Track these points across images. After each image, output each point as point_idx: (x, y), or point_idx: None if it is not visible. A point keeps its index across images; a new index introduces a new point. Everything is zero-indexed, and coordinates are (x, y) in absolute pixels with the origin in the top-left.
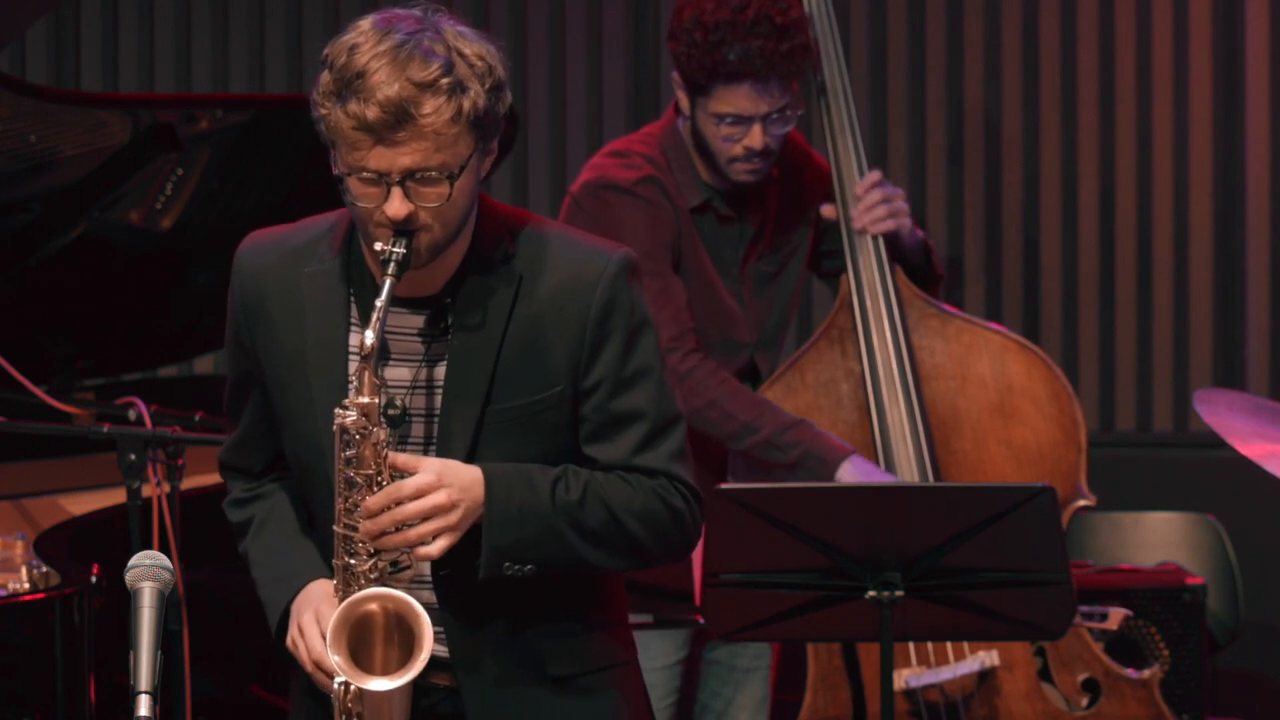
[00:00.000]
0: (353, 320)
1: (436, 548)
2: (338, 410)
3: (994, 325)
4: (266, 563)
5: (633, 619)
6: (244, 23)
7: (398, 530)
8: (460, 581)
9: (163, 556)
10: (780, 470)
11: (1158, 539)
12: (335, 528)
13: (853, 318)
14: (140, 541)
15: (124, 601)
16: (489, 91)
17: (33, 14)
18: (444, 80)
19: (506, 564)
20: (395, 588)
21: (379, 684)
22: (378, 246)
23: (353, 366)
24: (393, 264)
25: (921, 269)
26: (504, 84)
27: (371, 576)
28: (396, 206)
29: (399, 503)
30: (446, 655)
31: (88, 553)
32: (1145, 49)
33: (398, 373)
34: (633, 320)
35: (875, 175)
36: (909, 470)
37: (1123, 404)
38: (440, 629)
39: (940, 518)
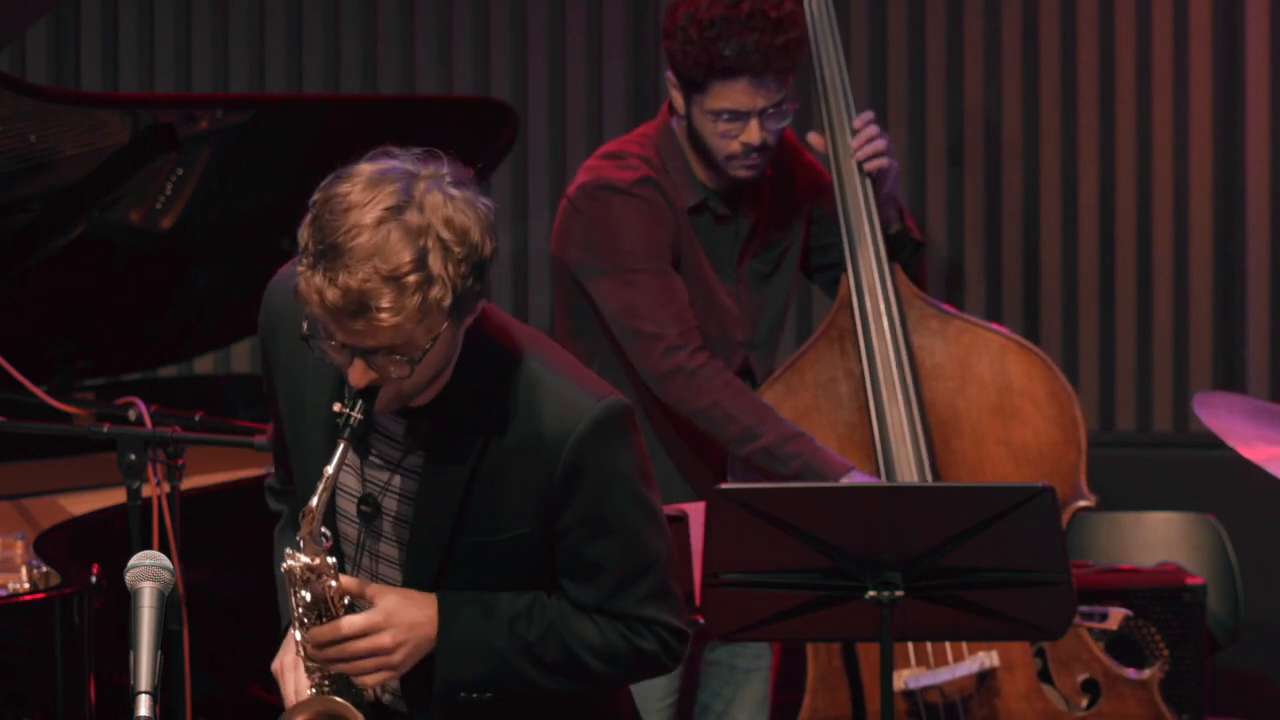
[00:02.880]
0: (346, 396)
1: (376, 679)
2: (287, 553)
3: (994, 325)
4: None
5: None
6: (244, 23)
7: (341, 662)
8: (427, 694)
9: (163, 556)
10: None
11: (1158, 539)
12: (292, 629)
13: (852, 318)
14: (140, 541)
15: (124, 601)
16: (464, 276)
17: (33, 14)
18: (411, 277)
19: (462, 694)
20: (340, 695)
21: None
22: (335, 407)
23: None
24: (347, 429)
25: (901, 236)
26: (485, 261)
27: (326, 685)
28: (357, 376)
29: (346, 639)
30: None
31: (88, 553)
32: (1145, 49)
33: (374, 471)
34: (604, 475)
35: (869, 115)
36: (908, 470)
37: (1123, 404)
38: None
39: (940, 518)
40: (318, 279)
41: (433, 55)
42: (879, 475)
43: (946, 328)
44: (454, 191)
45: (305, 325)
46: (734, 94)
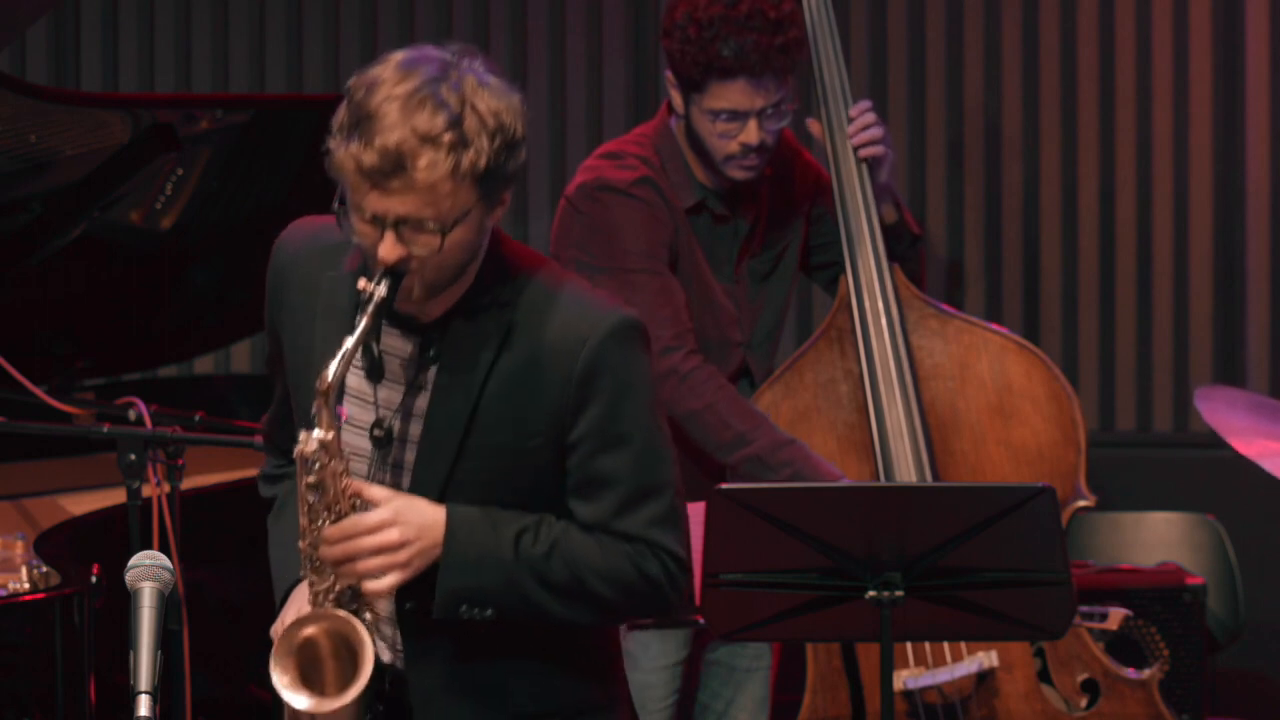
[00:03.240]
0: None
1: (384, 583)
2: (300, 434)
3: (993, 326)
4: (279, 545)
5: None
6: (244, 23)
7: (350, 561)
8: (424, 616)
9: (163, 556)
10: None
11: (1158, 539)
12: (300, 544)
13: (852, 318)
14: (140, 541)
15: (124, 601)
16: (497, 149)
17: (33, 14)
18: (446, 135)
19: (463, 607)
20: (348, 610)
21: (314, 703)
22: (360, 284)
23: (350, 380)
24: (372, 303)
25: (898, 228)
26: (518, 141)
27: (332, 597)
28: (387, 249)
29: (355, 535)
30: (406, 683)
31: (88, 553)
32: (1145, 49)
33: (388, 394)
34: (619, 384)
35: (867, 103)
36: (908, 471)
37: (1123, 404)
38: (399, 660)
39: (940, 518)
40: (354, 146)
41: None
42: (879, 476)
43: (946, 328)
44: (488, 78)
45: (336, 203)
46: (732, 94)
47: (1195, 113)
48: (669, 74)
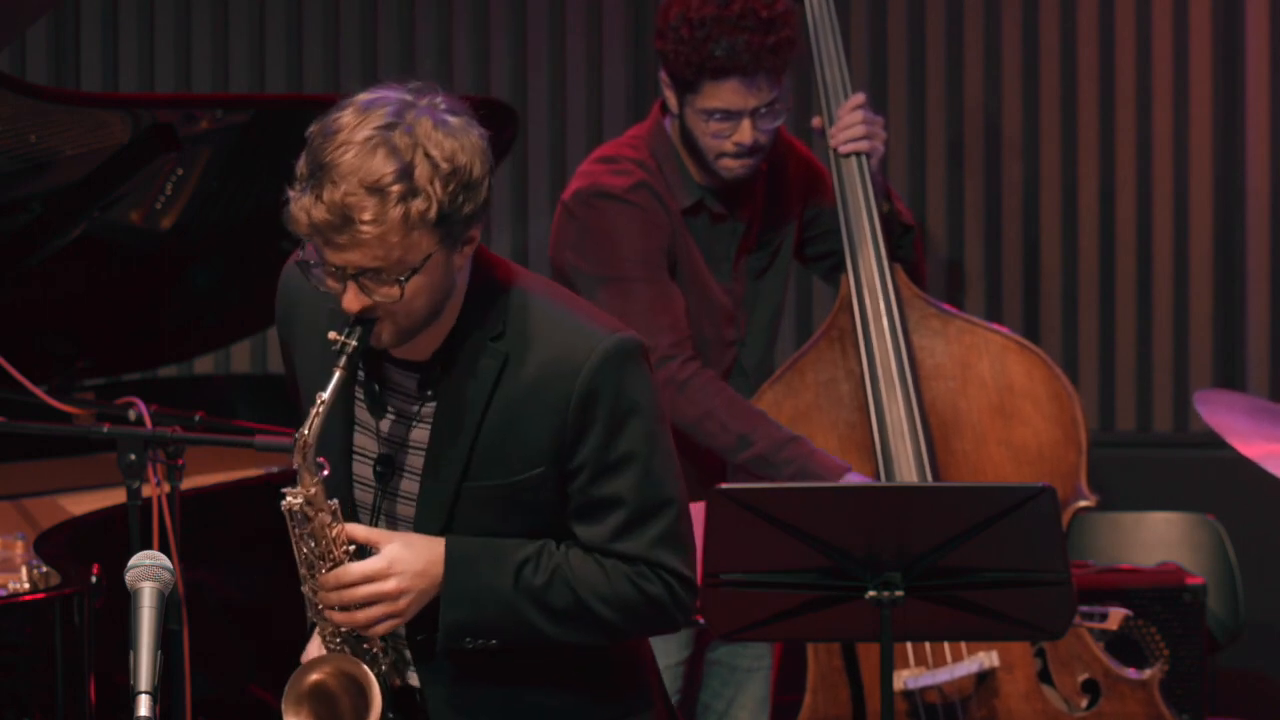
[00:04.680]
0: (359, 368)
1: (382, 629)
2: (285, 491)
3: (994, 326)
4: None
5: None
6: (244, 23)
7: (346, 610)
8: (436, 646)
9: (163, 556)
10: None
11: (1158, 539)
12: (303, 588)
13: (853, 318)
14: (140, 541)
15: (124, 601)
16: (451, 193)
17: (33, 14)
18: (395, 186)
19: (467, 639)
20: (351, 649)
21: None
22: (330, 335)
23: (359, 412)
24: (344, 356)
25: (891, 218)
26: (474, 182)
27: (336, 640)
28: (350, 301)
29: (350, 584)
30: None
31: (88, 553)
32: (1145, 49)
33: (390, 426)
34: (619, 407)
35: (859, 98)
36: (909, 470)
37: (1123, 404)
38: (418, 688)
39: (940, 518)
40: (306, 199)
41: (433, 55)
42: (879, 475)
43: (947, 328)
44: (446, 118)
45: (301, 251)
46: (726, 94)
47: (1195, 113)
48: (663, 74)
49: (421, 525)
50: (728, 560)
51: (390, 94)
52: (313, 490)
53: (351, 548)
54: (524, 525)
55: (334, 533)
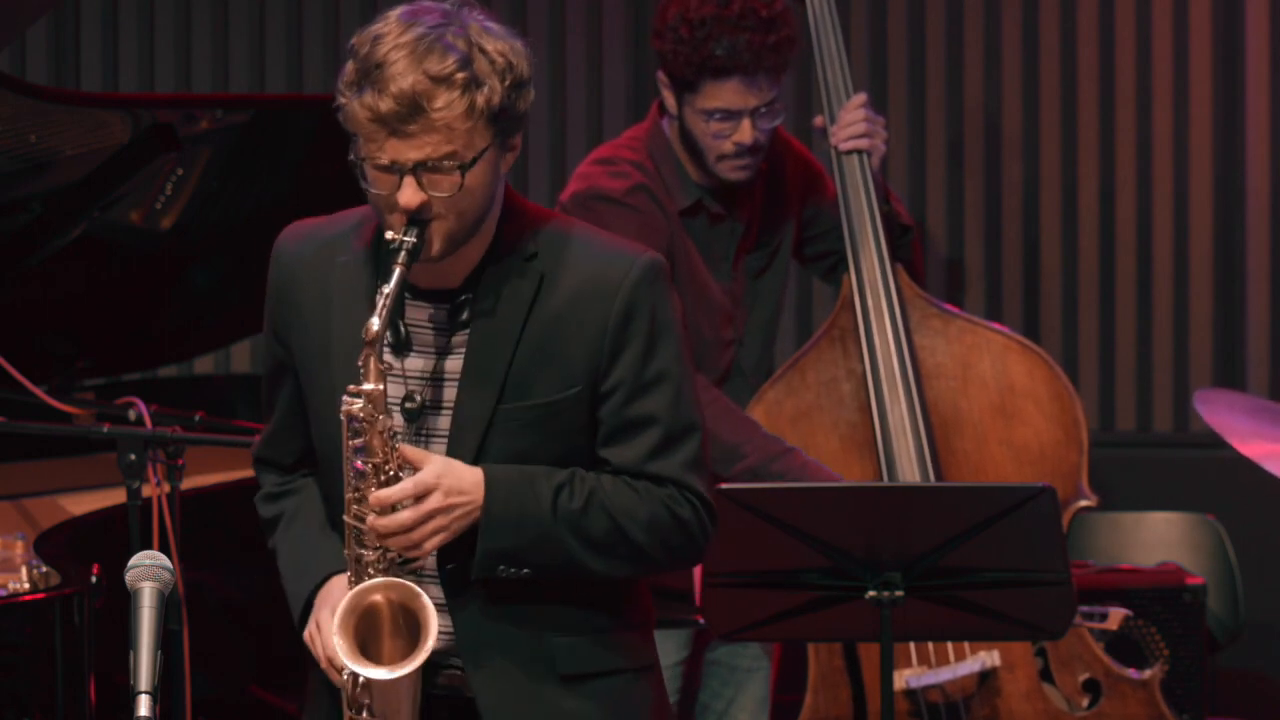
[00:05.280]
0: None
1: (430, 547)
2: (345, 397)
3: (995, 325)
4: (292, 555)
5: None
6: (244, 23)
7: (402, 531)
8: (467, 576)
9: (163, 556)
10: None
11: (1158, 539)
12: (345, 517)
13: (854, 317)
14: (140, 541)
15: (124, 601)
16: (507, 88)
17: (33, 14)
18: (459, 75)
19: (501, 567)
20: (402, 577)
21: (380, 673)
22: (388, 235)
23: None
24: (403, 252)
25: (889, 218)
26: (526, 81)
27: (380, 567)
28: (409, 195)
29: (404, 502)
30: (455, 648)
31: (88, 553)
32: (1145, 49)
33: (415, 363)
34: (655, 325)
35: (860, 98)
36: (910, 470)
37: (1123, 404)
38: (447, 622)
39: (940, 518)
40: (368, 96)
41: None
42: (881, 475)
43: (948, 328)
44: (490, 24)
45: (351, 153)
46: (726, 93)
47: (1195, 113)
48: (661, 75)
49: (454, 451)
50: (728, 560)
51: (429, 3)
52: (378, 386)
53: (403, 464)
54: (554, 452)
55: (392, 445)
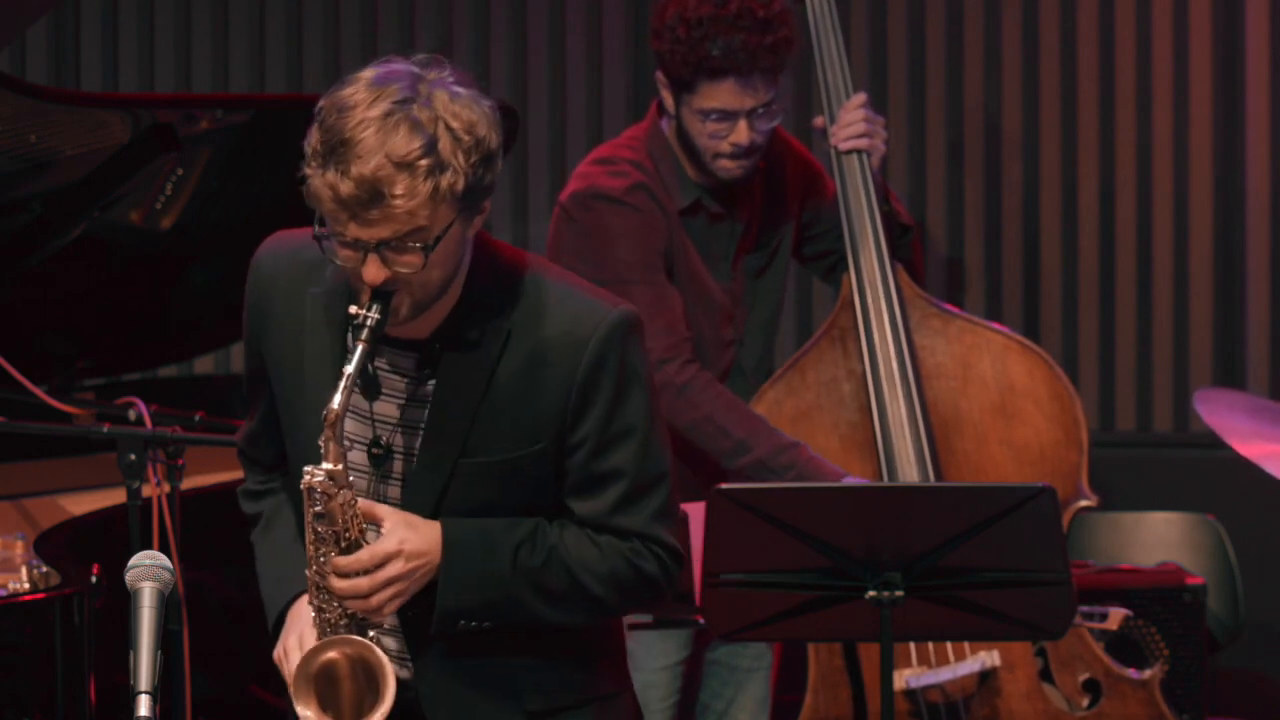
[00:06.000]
0: (349, 347)
1: (389, 609)
2: (306, 470)
3: (995, 325)
4: (270, 561)
5: (633, 619)
6: (244, 23)
7: (359, 596)
8: (427, 627)
9: (163, 556)
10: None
11: (1158, 539)
12: (307, 571)
13: (854, 317)
14: (140, 541)
15: (124, 601)
16: (473, 165)
17: (33, 14)
18: (423, 161)
19: (461, 622)
20: (358, 633)
21: None
22: (352, 310)
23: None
24: (365, 330)
25: (889, 218)
26: (494, 154)
27: (341, 623)
28: (373, 272)
29: (363, 570)
30: (417, 699)
31: (88, 553)
32: (1145, 49)
33: (383, 408)
34: (622, 378)
35: (861, 98)
36: (910, 470)
37: (1123, 404)
38: (407, 672)
39: (940, 518)
40: (330, 175)
41: None
42: (881, 475)
43: (948, 327)
44: (458, 90)
45: (316, 226)
46: (722, 94)
47: (1195, 113)
48: (659, 74)
49: (412, 503)
50: (728, 560)
51: (398, 68)
52: (338, 466)
53: (364, 528)
54: (516, 502)
55: (351, 512)
